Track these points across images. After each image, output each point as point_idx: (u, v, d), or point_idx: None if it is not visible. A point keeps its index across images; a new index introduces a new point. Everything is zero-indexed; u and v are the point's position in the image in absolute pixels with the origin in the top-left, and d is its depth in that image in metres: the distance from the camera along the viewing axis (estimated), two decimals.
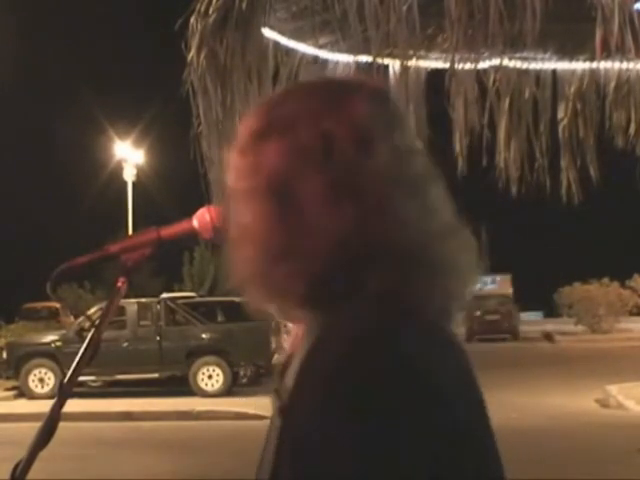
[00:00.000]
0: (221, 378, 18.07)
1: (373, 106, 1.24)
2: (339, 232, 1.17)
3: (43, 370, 18.50)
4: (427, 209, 1.21)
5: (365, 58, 8.41)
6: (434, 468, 1.07)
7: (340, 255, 1.17)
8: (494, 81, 8.62)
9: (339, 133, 1.20)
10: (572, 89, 9.24)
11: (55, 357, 18.31)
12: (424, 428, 1.08)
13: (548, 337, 33.63)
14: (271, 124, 1.24)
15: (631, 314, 35.77)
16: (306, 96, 1.26)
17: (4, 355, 19.41)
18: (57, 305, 30.63)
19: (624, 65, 8.62)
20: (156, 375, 18.44)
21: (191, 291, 26.42)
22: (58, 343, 18.53)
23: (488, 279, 41.22)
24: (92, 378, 17.90)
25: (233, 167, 1.27)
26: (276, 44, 8.56)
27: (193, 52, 7.99)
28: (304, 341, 1.21)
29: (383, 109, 1.25)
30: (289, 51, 8.76)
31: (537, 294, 43.94)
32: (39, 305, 31.30)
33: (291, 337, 1.31)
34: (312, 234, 1.18)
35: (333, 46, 8.76)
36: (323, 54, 8.94)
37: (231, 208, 1.29)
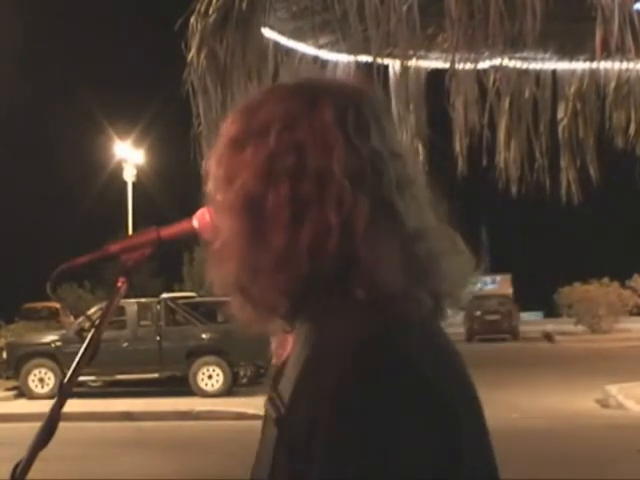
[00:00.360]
0: (221, 378, 18.06)
1: (342, 111, 1.21)
2: (316, 245, 1.16)
3: (43, 370, 18.49)
4: (407, 212, 1.20)
5: (365, 58, 8.39)
6: (434, 467, 1.09)
7: (320, 267, 1.16)
8: (494, 81, 8.61)
9: (308, 141, 1.19)
10: (572, 89, 9.24)
11: (55, 357, 18.29)
12: (425, 429, 1.10)
13: (548, 337, 33.61)
14: (247, 131, 1.23)
15: (631, 314, 35.74)
16: (280, 101, 1.24)
17: (4, 355, 19.40)
18: (57, 305, 30.61)
19: (624, 65, 8.62)
20: (156, 375, 18.43)
21: (191, 291, 26.37)
22: (58, 343, 18.51)
23: (488, 279, 41.26)
24: (92, 378, 17.89)
25: (212, 176, 1.26)
26: (276, 44, 8.55)
27: (193, 52, 7.98)
28: (297, 349, 1.21)
29: (355, 113, 1.22)
30: (289, 51, 8.76)
31: (537, 294, 43.92)
32: (39, 305, 31.30)
33: (279, 341, 1.30)
34: (289, 248, 1.17)
35: (333, 46, 8.76)
36: (323, 54, 8.93)
37: (213, 216, 1.30)
